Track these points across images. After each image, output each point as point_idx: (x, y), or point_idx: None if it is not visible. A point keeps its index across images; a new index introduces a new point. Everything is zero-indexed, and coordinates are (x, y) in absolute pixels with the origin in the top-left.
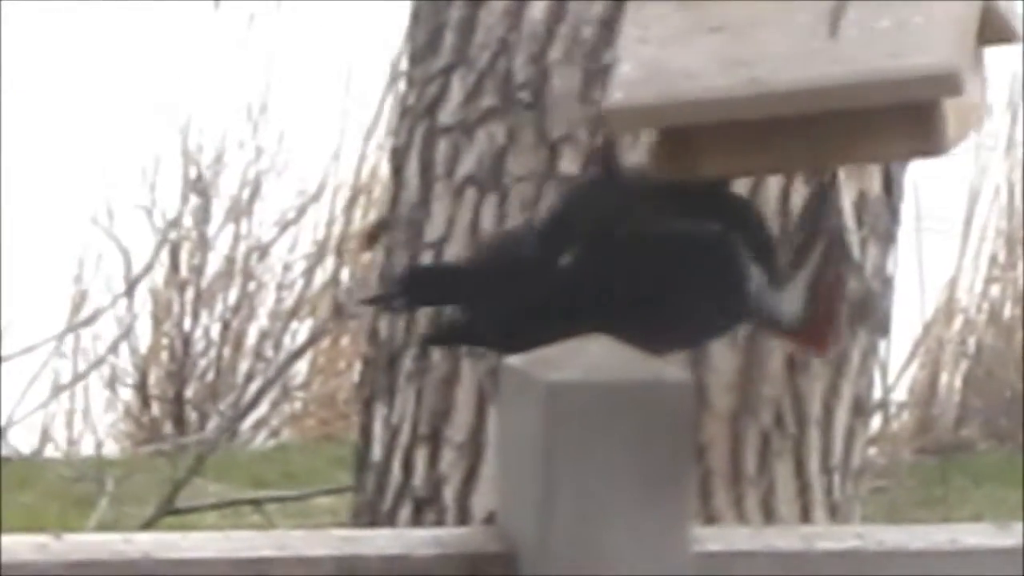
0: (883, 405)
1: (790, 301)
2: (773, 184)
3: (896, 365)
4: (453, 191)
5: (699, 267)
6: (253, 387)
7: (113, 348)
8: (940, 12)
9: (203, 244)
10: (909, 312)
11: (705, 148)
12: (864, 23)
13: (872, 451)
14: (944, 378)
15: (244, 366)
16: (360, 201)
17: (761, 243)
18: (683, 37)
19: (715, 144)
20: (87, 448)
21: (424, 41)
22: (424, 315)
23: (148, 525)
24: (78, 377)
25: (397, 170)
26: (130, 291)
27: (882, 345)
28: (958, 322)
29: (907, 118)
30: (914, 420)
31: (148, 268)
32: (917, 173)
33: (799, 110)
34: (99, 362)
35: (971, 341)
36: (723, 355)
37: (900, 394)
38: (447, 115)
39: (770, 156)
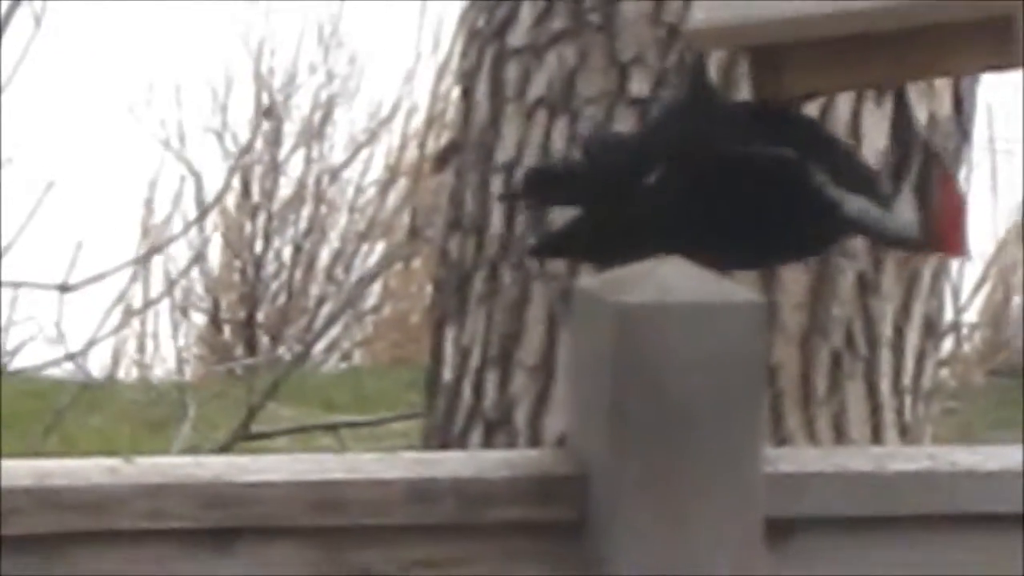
0: (955, 327)
1: (901, 213)
2: (843, 107)
3: (968, 286)
4: (524, 113)
5: (779, 192)
6: (325, 310)
7: (185, 273)
8: None
9: (274, 168)
10: (981, 233)
11: (790, 65)
12: None
13: (944, 373)
14: (1016, 299)
15: (316, 289)
16: (434, 124)
17: (852, 169)
18: None
19: (800, 61)
20: (157, 372)
21: None
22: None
23: (224, 450)
24: (150, 303)
25: (467, 92)
26: (201, 219)
27: (953, 266)
28: None
29: (984, 32)
30: (986, 342)
31: (220, 197)
32: (990, 95)
33: (882, 27)
34: (172, 288)
35: None
36: (794, 275)
37: (972, 316)
38: (517, 37)
39: (854, 72)
